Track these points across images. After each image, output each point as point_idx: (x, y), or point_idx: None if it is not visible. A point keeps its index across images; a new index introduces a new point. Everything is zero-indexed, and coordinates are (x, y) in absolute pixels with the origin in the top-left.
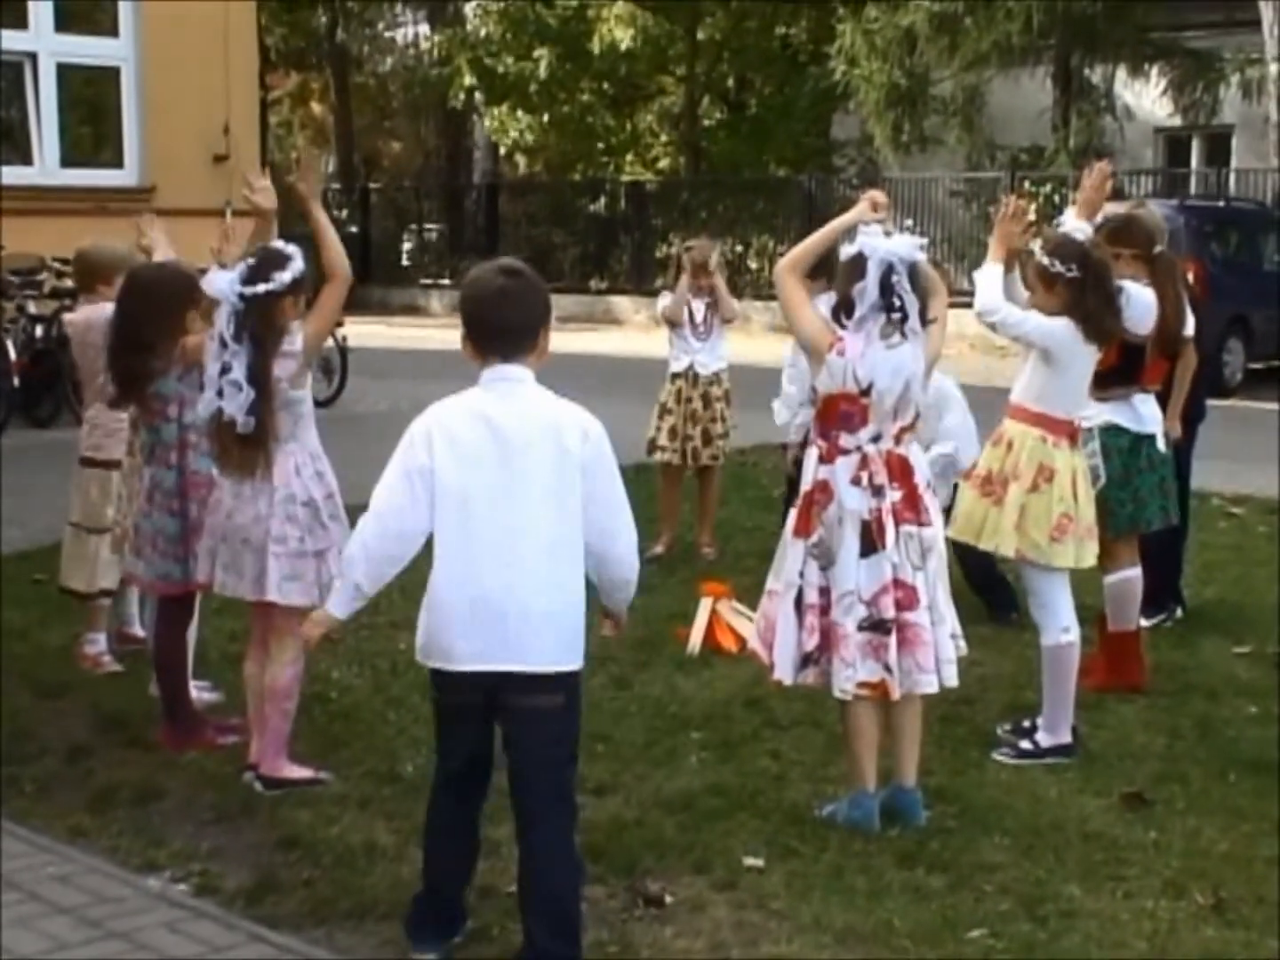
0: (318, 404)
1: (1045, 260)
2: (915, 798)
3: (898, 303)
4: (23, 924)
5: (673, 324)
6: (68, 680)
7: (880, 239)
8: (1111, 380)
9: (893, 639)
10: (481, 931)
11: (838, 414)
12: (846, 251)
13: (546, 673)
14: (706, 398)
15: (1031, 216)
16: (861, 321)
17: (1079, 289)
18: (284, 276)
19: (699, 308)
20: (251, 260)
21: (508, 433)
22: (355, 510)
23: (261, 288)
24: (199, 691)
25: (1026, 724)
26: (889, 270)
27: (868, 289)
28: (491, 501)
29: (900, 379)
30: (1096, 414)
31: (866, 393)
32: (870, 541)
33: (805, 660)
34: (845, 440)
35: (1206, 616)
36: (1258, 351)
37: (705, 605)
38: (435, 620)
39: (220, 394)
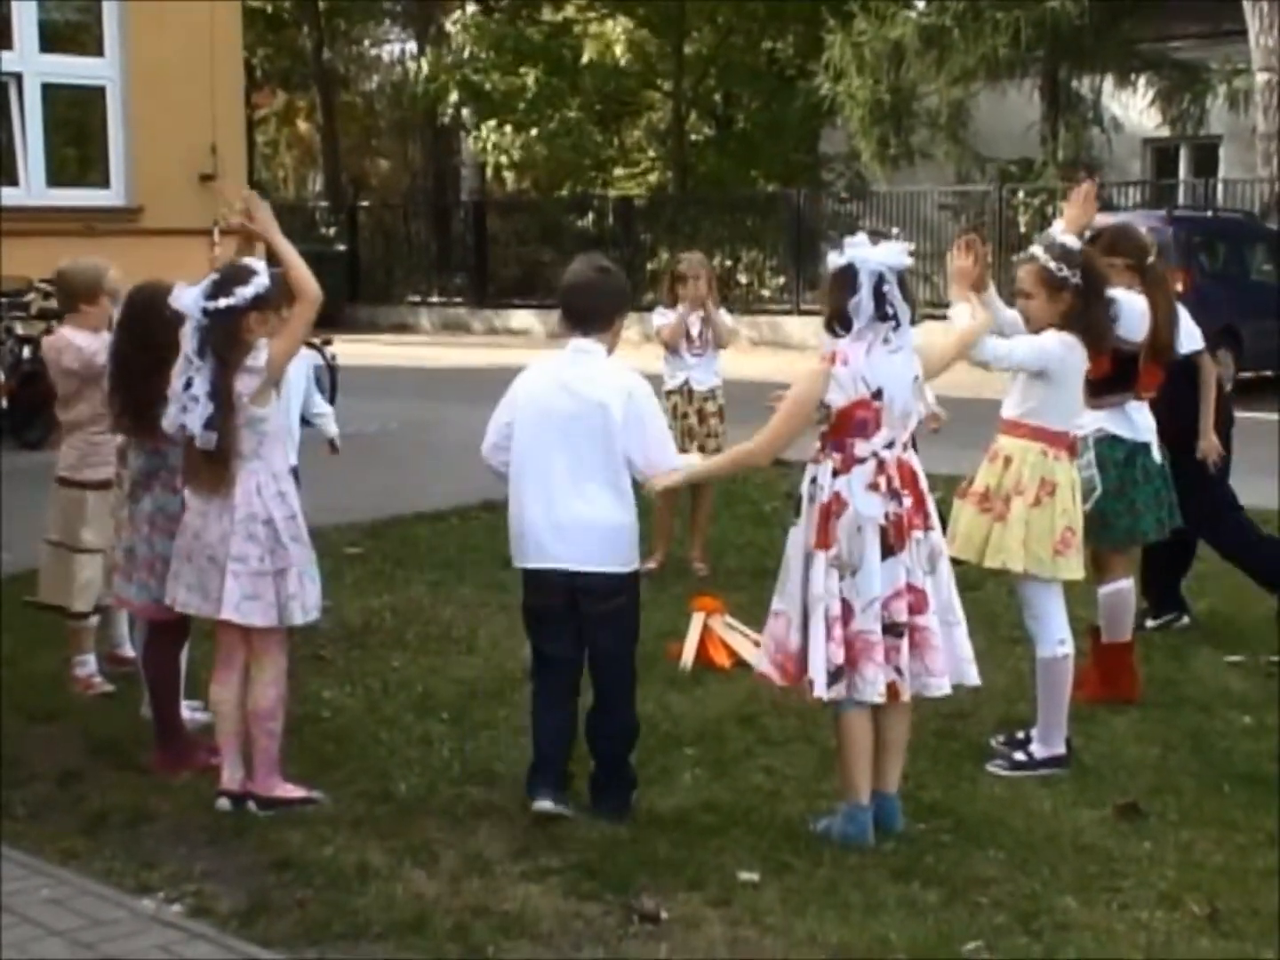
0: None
1: (1052, 264)
2: (895, 804)
3: (891, 311)
4: (17, 947)
5: (671, 348)
6: (59, 704)
7: (868, 249)
8: (1106, 388)
9: (905, 642)
10: (477, 950)
11: (853, 422)
12: (835, 262)
13: (610, 573)
14: (702, 414)
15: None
16: (860, 334)
17: (1082, 296)
18: (246, 291)
19: (695, 325)
20: (216, 275)
21: (574, 390)
22: (345, 530)
23: (223, 302)
24: (190, 712)
25: (1020, 735)
26: (880, 280)
27: (862, 302)
28: (562, 443)
29: (901, 383)
30: (1091, 422)
31: (878, 395)
32: (888, 545)
33: (837, 673)
34: (860, 448)
35: (1200, 627)
36: (1247, 362)
37: (698, 620)
38: (523, 532)
39: (185, 410)
